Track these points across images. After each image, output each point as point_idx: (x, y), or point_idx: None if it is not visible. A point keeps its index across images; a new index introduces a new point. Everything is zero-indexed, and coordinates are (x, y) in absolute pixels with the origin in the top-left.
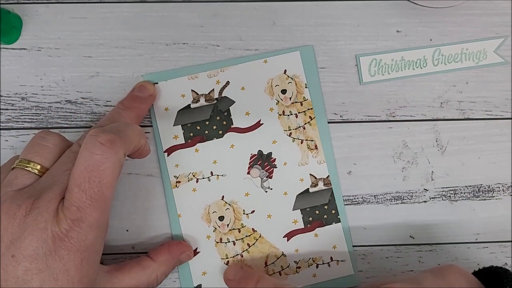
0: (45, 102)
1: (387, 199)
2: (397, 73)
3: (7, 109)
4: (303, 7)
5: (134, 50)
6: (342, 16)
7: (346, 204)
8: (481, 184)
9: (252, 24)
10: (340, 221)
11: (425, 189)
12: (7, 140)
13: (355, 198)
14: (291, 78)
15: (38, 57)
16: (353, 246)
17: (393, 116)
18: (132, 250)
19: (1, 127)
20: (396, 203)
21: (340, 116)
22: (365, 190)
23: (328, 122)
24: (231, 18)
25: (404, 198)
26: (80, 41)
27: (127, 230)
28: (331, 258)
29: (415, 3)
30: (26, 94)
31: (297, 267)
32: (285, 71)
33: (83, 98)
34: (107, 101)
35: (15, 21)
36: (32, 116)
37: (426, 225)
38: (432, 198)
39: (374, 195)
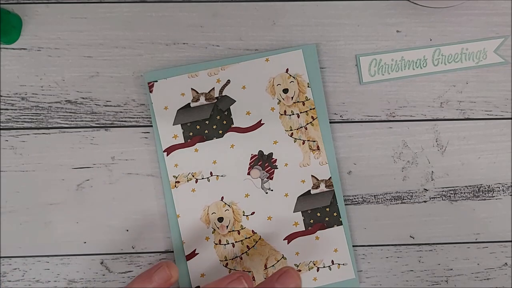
0: (45, 102)
1: (387, 199)
2: (397, 73)
3: (7, 109)
4: (303, 7)
5: (134, 50)
6: (342, 16)
7: (346, 204)
8: (481, 184)
9: (252, 24)
10: (341, 224)
11: (425, 189)
12: (7, 140)
13: (355, 198)
14: (293, 77)
15: (38, 57)
16: (353, 246)
17: (393, 116)
18: (132, 250)
19: (1, 127)
20: (396, 203)
21: (340, 116)
22: (365, 190)
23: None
24: (231, 18)
25: (404, 198)
26: (80, 41)
27: (127, 230)
28: (332, 261)
29: (415, 3)
30: (26, 94)
31: (297, 270)
32: (287, 70)
33: (83, 98)
34: (107, 101)
35: (15, 21)
36: (32, 116)
37: (426, 225)
38: (432, 198)
39: (374, 195)
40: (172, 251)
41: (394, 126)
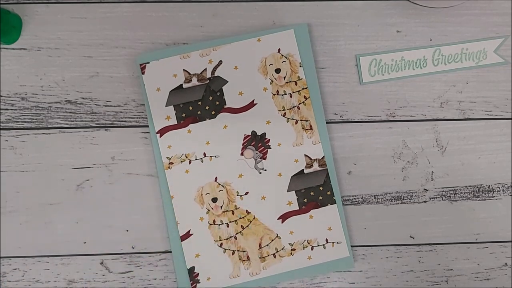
0: (45, 102)
1: (387, 199)
2: (397, 73)
3: (7, 109)
4: (303, 7)
5: (134, 50)
6: (342, 16)
7: (346, 204)
8: (481, 184)
9: (252, 24)
10: (335, 203)
11: (425, 189)
12: (7, 140)
13: (355, 198)
14: (285, 57)
15: (38, 57)
16: (353, 246)
17: (393, 116)
18: (132, 250)
19: (1, 127)
20: (396, 203)
21: (340, 116)
22: (365, 190)
23: (328, 122)
24: (231, 18)
25: (404, 198)
26: (80, 41)
27: (127, 230)
28: (327, 240)
29: (415, 3)
30: (26, 94)
31: (292, 249)
32: (279, 49)
33: (83, 98)
34: (107, 101)
35: (15, 21)
36: (32, 116)
37: (426, 225)
38: (432, 198)
39: (374, 195)
40: (171, 251)
41: (394, 126)
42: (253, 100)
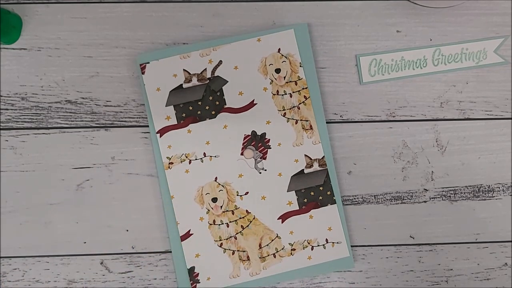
0: (45, 102)
1: (387, 199)
2: (397, 73)
3: (7, 109)
4: (303, 7)
5: (134, 50)
6: (342, 16)
7: (346, 204)
8: (481, 184)
9: (252, 24)
10: (335, 203)
11: (425, 189)
12: (7, 140)
13: (355, 198)
14: (285, 57)
15: (38, 57)
16: (353, 246)
17: (393, 116)
18: (132, 250)
19: (1, 127)
20: (396, 203)
21: (340, 116)
22: (365, 190)
23: (328, 122)
24: (231, 18)
25: (404, 198)
26: (80, 41)
27: (127, 230)
28: (327, 240)
29: (415, 3)
30: (26, 94)
31: (292, 249)
32: (279, 49)
33: (83, 98)
34: (107, 101)
35: (15, 21)
36: (32, 116)
37: (426, 225)
38: (432, 198)
39: (374, 195)
40: (171, 251)
41: (394, 126)
42: (253, 100)
